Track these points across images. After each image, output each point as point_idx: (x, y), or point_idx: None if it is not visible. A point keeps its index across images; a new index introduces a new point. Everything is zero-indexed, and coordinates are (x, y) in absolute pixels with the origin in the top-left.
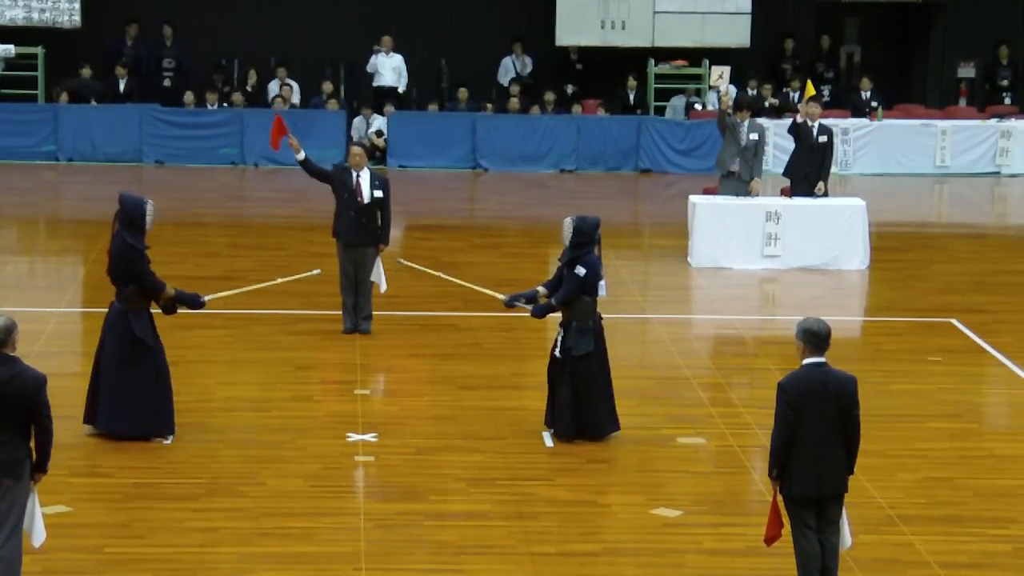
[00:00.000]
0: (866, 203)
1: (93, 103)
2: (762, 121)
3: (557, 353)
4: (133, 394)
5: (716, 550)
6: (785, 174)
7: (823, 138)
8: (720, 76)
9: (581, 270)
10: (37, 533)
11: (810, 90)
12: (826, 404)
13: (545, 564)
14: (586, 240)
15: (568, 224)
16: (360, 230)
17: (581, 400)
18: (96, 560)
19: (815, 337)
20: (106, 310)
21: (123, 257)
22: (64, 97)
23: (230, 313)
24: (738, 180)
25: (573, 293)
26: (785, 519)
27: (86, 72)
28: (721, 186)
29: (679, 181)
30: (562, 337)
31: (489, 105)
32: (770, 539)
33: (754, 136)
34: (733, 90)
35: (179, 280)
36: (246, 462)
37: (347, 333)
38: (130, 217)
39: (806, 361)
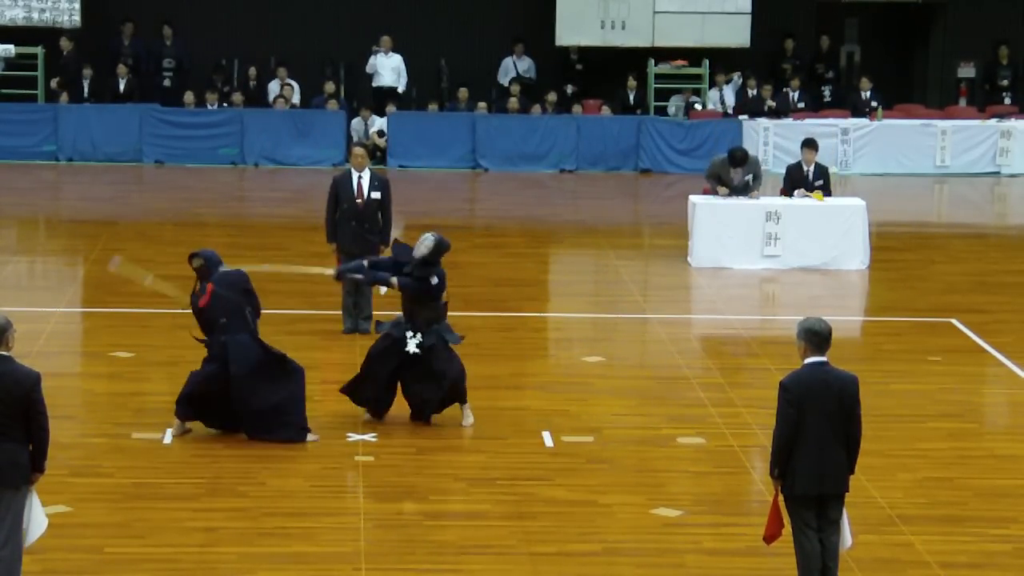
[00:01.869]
0: (866, 203)
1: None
2: (761, 121)
3: (414, 349)
4: (284, 404)
5: (716, 550)
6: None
7: (819, 182)
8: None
9: (435, 279)
10: (32, 532)
11: (819, 198)
12: (828, 403)
13: (545, 564)
14: (436, 261)
15: (430, 240)
16: (359, 240)
17: (444, 386)
18: (96, 560)
19: (817, 336)
20: (102, 310)
21: (235, 283)
22: (63, 96)
23: None
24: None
25: (416, 291)
26: (785, 518)
27: (86, 71)
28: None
29: (679, 181)
30: (423, 336)
31: (482, 104)
32: (770, 537)
33: (748, 177)
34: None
35: (179, 279)
36: (246, 462)
37: (347, 333)
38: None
39: (807, 360)
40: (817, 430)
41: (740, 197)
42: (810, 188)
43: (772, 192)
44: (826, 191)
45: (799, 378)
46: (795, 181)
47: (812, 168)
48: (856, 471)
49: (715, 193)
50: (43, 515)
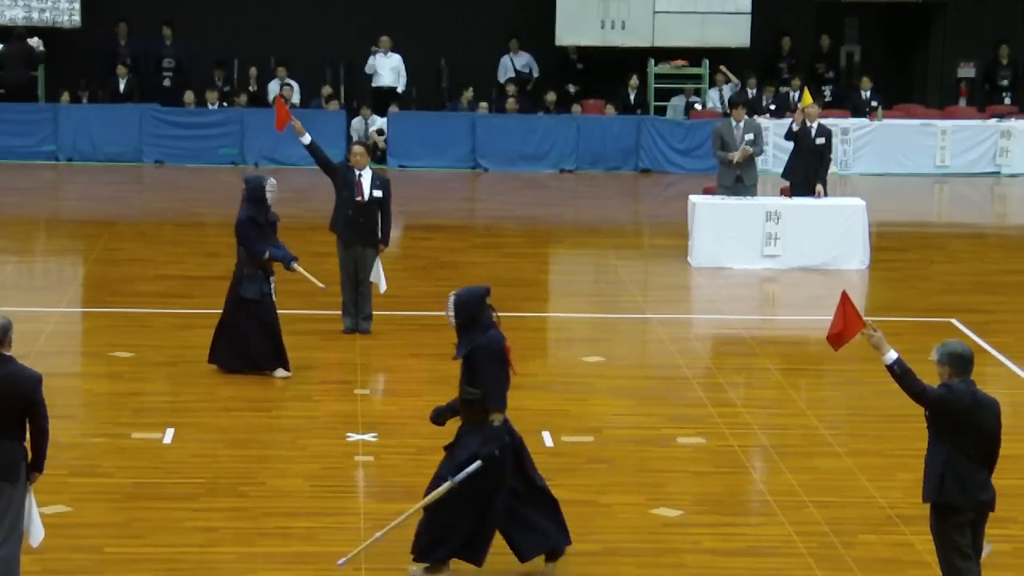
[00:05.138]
0: (866, 203)
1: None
2: (760, 120)
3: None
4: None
5: (716, 550)
6: (784, 176)
7: (821, 140)
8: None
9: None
10: (35, 533)
11: (807, 100)
12: (978, 423)
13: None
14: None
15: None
16: (356, 230)
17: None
18: (96, 560)
19: (962, 359)
20: (102, 310)
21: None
22: (65, 97)
23: None
24: (740, 186)
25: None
26: (856, 320)
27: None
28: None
29: (679, 181)
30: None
31: (483, 104)
32: (835, 337)
33: (750, 136)
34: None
35: (178, 280)
36: (246, 462)
37: (347, 333)
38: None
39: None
40: (969, 447)
41: (742, 193)
42: (814, 146)
43: (772, 193)
44: (828, 149)
45: (959, 391)
46: (798, 137)
47: (816, 125)
48: (856, 471)
49: (718, 192)
50: (39, 523)
